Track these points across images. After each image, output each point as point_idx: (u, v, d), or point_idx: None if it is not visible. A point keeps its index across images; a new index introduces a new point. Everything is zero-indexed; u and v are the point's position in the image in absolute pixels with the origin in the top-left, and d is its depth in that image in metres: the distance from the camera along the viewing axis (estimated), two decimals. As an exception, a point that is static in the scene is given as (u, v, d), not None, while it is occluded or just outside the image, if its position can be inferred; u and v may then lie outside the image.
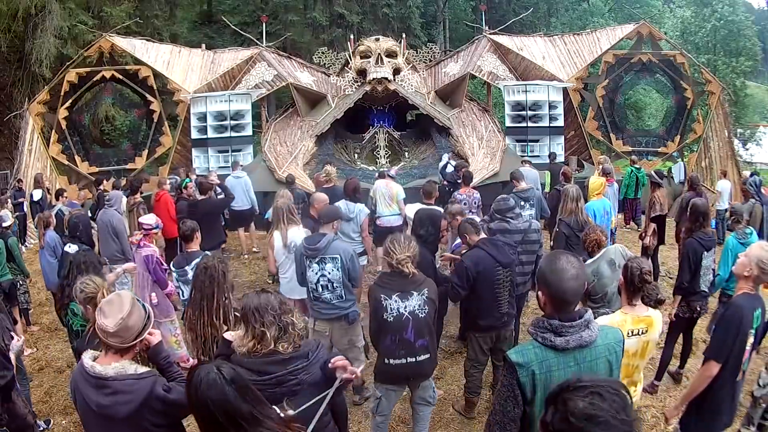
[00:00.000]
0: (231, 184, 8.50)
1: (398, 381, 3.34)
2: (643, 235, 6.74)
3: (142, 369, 2.13)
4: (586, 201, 5.59)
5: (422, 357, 3.25)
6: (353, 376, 2.20)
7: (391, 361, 3.23)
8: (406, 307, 3.18)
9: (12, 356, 3.20)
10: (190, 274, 4.41)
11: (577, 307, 2.03)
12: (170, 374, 2.30)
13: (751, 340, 2.79)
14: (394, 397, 3.41)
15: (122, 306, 2.09)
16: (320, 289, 4.00)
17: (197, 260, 4.40)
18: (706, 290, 4.53)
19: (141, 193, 8.07)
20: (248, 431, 1.69)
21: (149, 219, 5.21)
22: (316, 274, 3.99)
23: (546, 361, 1.93)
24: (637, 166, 10.45)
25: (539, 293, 2.05)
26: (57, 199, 8.22)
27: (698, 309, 4.48)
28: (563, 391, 1.24)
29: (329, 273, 3.97)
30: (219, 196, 7.79)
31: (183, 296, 4.53)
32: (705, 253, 4.44)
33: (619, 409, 1.20)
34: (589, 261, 3.91)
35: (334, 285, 3.99)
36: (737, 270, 2.88)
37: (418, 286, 3.21)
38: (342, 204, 5.92)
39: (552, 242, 5.83)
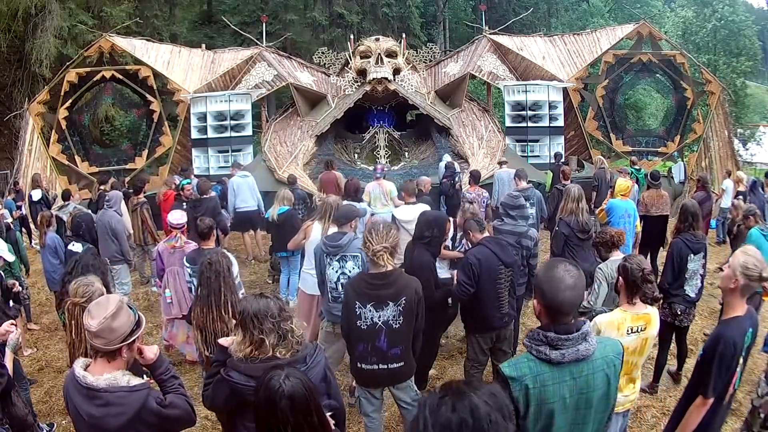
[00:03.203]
0: (238, 184, 8.33)
1: (372, 384, 3.30)
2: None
3: (135, 381, 2.08)
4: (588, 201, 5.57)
5: (395, 365, 3.17)
6: None
7: (363, 366, 3.19)
8: (380, 317, 3.11)
9: (8, 352, 3.12)
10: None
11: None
12: (167, 387, 2.25)
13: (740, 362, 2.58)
14: (375, 399, 3.35)
15: (108, 307, 2.06)
16: (340, 288, 3.88)
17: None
18: (692, 295, 4.37)
19: (144, 192, 8.04)
20: None
21: (179, 216, 5.02)
22: (336, 272, 3.94)
23: (540, 375, 1.85)
24: (637, 167, 10.45)
25: (535, 302, 1.97)
26: (67, 199, 8.10)
27: (679, 313, 4.35)
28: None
29: (350, 271, 3.91)
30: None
31: (193, 292, 4.53)
32: (691, 255, 4.31)
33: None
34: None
35: None
36: (722, 285, 2.65)
37: (396, 295, 3.10)
38: (343, 205, 5.96)
39: (551, 241, 5.80)
